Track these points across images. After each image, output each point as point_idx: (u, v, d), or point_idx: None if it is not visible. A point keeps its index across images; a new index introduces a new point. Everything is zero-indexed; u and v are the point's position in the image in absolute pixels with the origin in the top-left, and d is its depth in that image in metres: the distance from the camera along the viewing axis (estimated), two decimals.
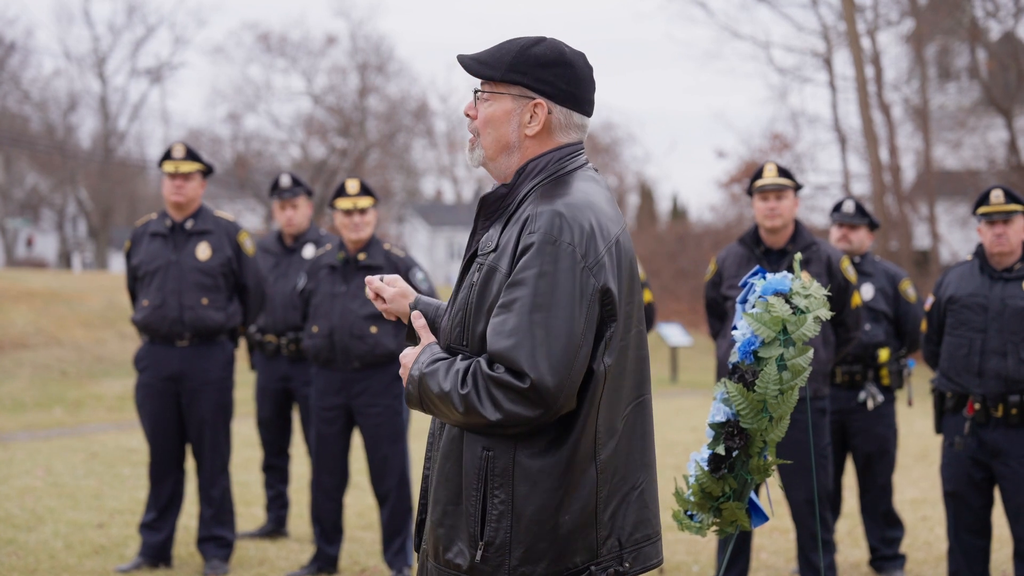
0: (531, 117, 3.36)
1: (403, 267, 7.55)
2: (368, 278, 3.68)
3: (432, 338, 3.37)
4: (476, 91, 3.44)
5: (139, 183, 55.32)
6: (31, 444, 13.75)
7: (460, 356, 3.25)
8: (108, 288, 25.57)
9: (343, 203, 7.55)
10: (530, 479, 3.20)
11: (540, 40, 3.40)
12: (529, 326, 3.13)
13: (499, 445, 3.21)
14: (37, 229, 60.98)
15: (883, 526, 7.92)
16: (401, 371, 3.36)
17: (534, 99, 3.36)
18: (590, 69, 3.46)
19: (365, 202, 7.56)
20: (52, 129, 54.52)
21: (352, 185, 7.58)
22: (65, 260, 57.17)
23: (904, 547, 8.29)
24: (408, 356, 3.34)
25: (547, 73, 3.37)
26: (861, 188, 33.58)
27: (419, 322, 3.39)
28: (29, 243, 61.40)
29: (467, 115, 3.43)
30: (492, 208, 3.36)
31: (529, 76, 3.35)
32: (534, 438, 3.21)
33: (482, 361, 3.18)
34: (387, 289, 3.65)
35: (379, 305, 3.68)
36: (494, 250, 3.26)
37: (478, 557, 3.21)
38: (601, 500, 3.28)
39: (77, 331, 23.08)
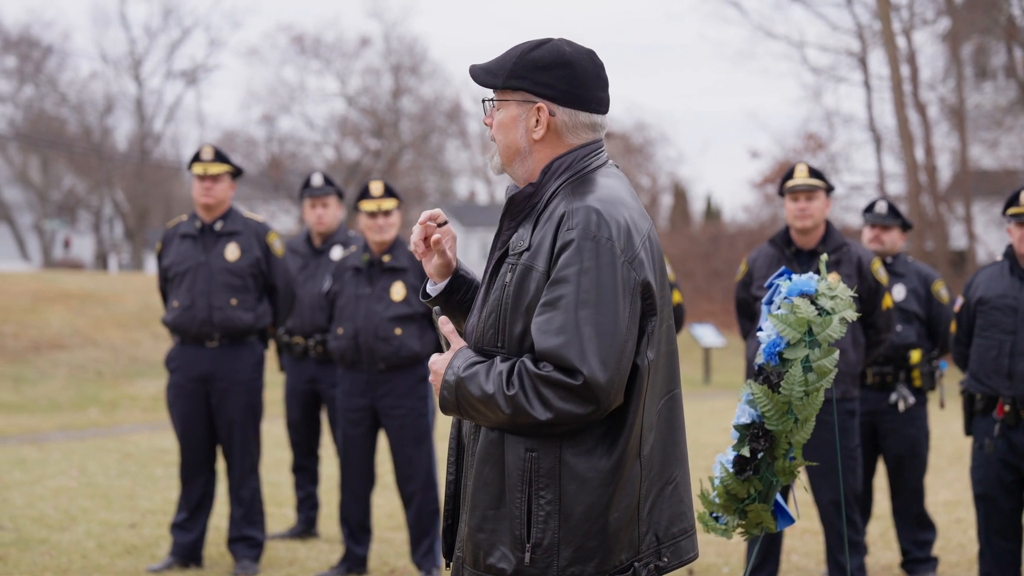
0: (535, 122, 3.37)
1: None
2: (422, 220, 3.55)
3: (462, 342, 3.35)
4: (484, 100, 3.47)
5: (175, 184, 55.53)
6: (66, 444, 13.84)
7: (499, 357, 3.24)
8: (143, 289, 25.67)
9: (367, 205, 7.57)
10: (578, 478, 3.20)
11: (543, 43, 3.40)
12: (576, 323, 3.14)
13: (543, 445, 3.20)
14: (74, 231, 61.30)
15: (915, 528, 7.87)
16: (432, 377, 3.35)
17: (536, 103, 3.37)
18: (597, 66, 3.42)
19: (389, 204, 7.58)
20: (89, 131, 54.83)
21: (376, 187, 7.60)
22: (102, 261, 57.48)
23: (937, 549, 8.24)
24: (439, 362, 3.33)
25: (546, 76, 3.36)
26: (896, 188, 33.42)
27: (447, 327, 3.37)
28: (66, 244, 61.74)
29: (485, 124, 3.46)
30: (519, 207, 3.36)
31: (528, 80, 3.36)
32: (580, 436, 3.21)
33: (527, 360, 3.18)
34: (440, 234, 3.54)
35: (417, 241, 3.55)
36: (527, 249, 3.26)
37: (527, 560, 3.21)
38: (642, 496, 3.29)
39: (112, 332, 23.20)
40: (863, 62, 33.77)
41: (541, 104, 3.36)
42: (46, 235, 56.32)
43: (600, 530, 3.22)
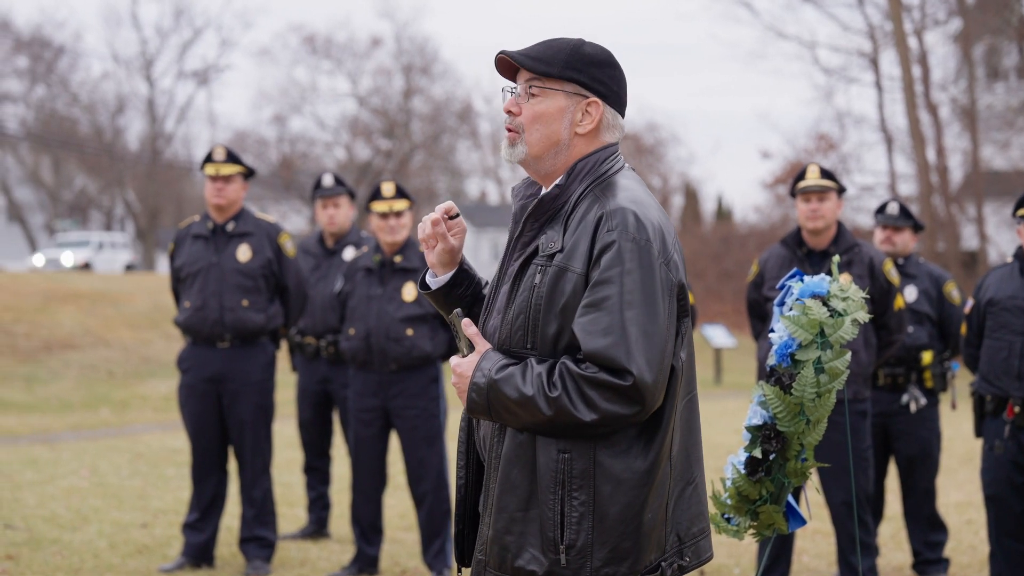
0: (582, 115, 3.37)
1: None
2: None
3: (487, 344, 3.34)
4: (511, 88, 3.44)
5: (186, 185, 55.63)
6: (77, 444, 13.87)
7: (533, 359, 3.23)
8: (154, 289, 25.72)
9: (379, 206, 7.57)
10: (614, 479, 3.20)
11: (585, 41, 3.42)
12: (622, 323, 3.15)
13: (577, 446, 3.20)
14: (85, 231, 61.44)
15: (926, 530, 7.86)
16: (456, 380, 3.33)
17: (588, 98, 3.37)
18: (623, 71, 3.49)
19: (401, 205, 7.58)
20: (100, 131, 54.93)
21: (388, 188, 7.60)
22: None
23: (948, 551, 8.22)
24: (464, 364, 3.32)
25: (600, 73, 3.39)
26: (908, 189, 33.39)
27: (471, 329, 3.35)
28: None
29: (509, 112, 3.41)
30: (546, 209, 3.35)
31: (584, 74, 3.36)
32: (614, 437, 3.21)
33: (568, 362, 3.18)
34: (450, 240, 3.51)
35: (426, 235, 3.51)
36: (560, 251, 3.25)
37: (562, 561, 3.20)
38: (670, 496, 3.31)
39: (124, 332, 23.24)
40: (875, 63, 33.74)
41: (595, 100, 3.37)
42: (57, 235, 56.40)
43: (635, 531, 3.23)
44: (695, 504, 3.38)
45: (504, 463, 3.28)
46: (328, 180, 8.85)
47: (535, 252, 3.31)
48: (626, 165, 3.46)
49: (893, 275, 7.10)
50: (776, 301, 4.54)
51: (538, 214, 3.35)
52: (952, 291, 7.90)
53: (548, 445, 3.22)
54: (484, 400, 3.24)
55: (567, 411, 3.15)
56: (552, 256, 3.26)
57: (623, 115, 3.46)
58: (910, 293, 7.79)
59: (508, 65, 3.44)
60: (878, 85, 33.84)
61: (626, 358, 3.13)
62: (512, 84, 3.45)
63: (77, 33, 74.29)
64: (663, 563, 3.29)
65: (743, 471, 4.35)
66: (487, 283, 3.60)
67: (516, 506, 3.26)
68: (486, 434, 3.37)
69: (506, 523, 3.27)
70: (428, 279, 3.59)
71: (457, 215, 3.52)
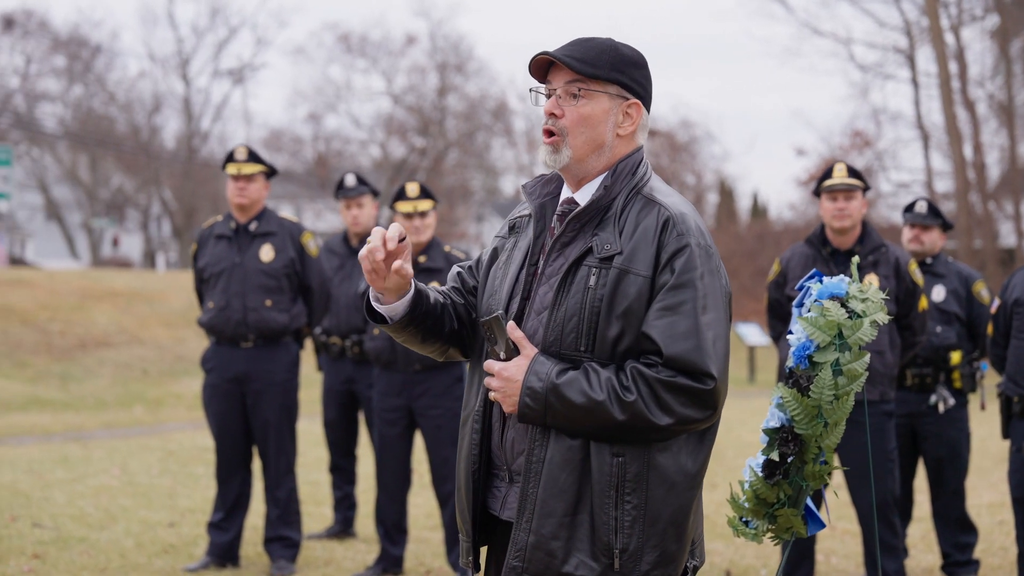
0: (624, 117, 3.36)
1: None
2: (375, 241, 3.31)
3: (535, 348, 3.29)
4: (547, 90, 3.40)
5: (222, 183, 55.74)
6: (110, 442, 13.93)
7: (593, 363, 3.21)
8: (188, 288, 25.81)
9: (403, 206, 7.56)
10: (667, 481, 3.21)
11: (615, 40, 3.41)
12: (701, 327, 3.17)
13: (631, 450, 3.20)
14: (122, 229, 61.78)
15: (956, 531, 7.79)
16: (500, 384, 3.28)
17: (628, 99, 3.36)
18: None
19: (425, 205, 7.57)
20: (137, 130, 55.19)
21: (412, 188, 7.59)
22: (149, 259, 57.87)
23: (978, 552, 8.15)
24: (512, 368, 3.27)
25: (638, 74, 3.39)
26: (944, 186, 33.20)
27: (517, 332, 3.30)
28: (115, 243, 62.23)
29: (552, 114, 3.36)
30: (592, 210, 3.32)
31: (626, 76, 3.36)
32: (668, 440, 3.22)
33: (639, 366, 3.18)
34: (405, 268, 3.34)
35: (374, 257, 3.30)
36: (619, 253, 3.23)
37: (616, 565, 3.19)
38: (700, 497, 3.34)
39: (158, 330, 23.34)
40: (911, 59, 33.55)
41: (636, 101, 3.37)
42: (95, 233, 56.74)
43: (681, 533, 3.25)
44: (701, 506, 3.42)
45: (549, 467, 3.24)
46: (351, 180, 8.84)
47: (586, 253, 3.27)
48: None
49: (918, 276, 7.04)
50: (795, 302, 4.49)
51: (583, 216, 3.32)
52: (981, 291, 7.83)
53: (602, 449, 3.21)
54: (541, 405, 3.21)
55: (642, 415, 3.15)
56: (610, 258, 3.24)
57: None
58: (938, 293, 7.72)
59: (540, 66, 3.40)
60: (914, 81, 33.65)
61: (706, 362, 3.16)
62: (541, 85, 3.42)
63: (114, 32, 74.83)
64: (687, 564, 3.31)
65: (760, 474, 4.30)
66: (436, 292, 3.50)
67: (564, 511, 3.23)
68: (517, 438, 3.33)
69: (553, 528, 3.23)
70: (383, 310, 3.40)
71: (404, 238, 3.34)
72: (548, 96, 3.40)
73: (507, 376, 3.26)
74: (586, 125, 3.33)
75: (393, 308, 3.41)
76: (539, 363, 3.23)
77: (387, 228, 3.22)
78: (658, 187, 3.36)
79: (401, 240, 3.33)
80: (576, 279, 3.27)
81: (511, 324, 3.31)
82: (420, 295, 3.45)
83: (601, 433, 3.19)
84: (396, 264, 3.31)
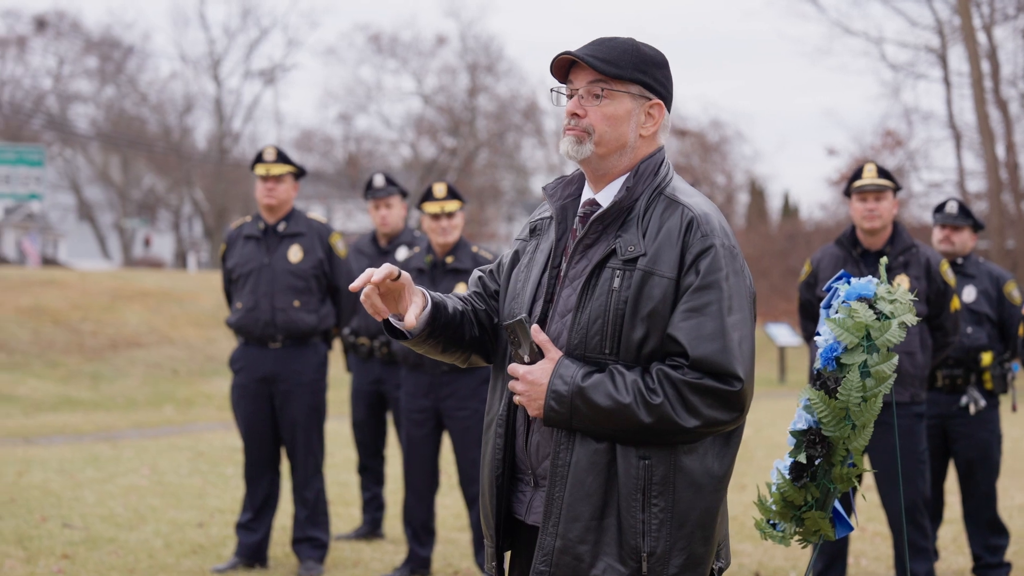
0: (646, 117, 3.35)
1: None
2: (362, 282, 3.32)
3: (559, 352, 3.27)
4: (568, 90, 3.38)
5: (252, 183, 55.95)
6: (140, 442, 13.97)
7: (619, 366, 3.20)
8: (219, 288, 25.86)
9: (430, 207, 7.55)
10: (694, 484, 3.20)
11: (637, 40, 3.40)
12: (727, 329, 3.16)
13: (658, 452, 3.19)
14: (154, 229, 62.06)
15: (987, 533, 7.74)
16: (524, 387, 3.26)
17: (651, 99, 3.35)
18: None
19: (452, 206, 7.56)
20: (168, 131, 55.46)
21: (439, 189, 7.58)
22: (181, 260, 58.12)
23: (1010, 555, 8.09)
24: (537, 371, 3.25)
25: (660, 74, 3.38)
26: (976, 185, 33.01)
27: (541, 336, 3.29)
28: (147, 243, 62.53)
29: (574, 115, 3.34)
30: (614, 212, 3.31)
31: (649, 75, 3.35)
32: (694, 442, 3.21)
33: (665, 368, 3.16)
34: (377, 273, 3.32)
35: (372, 303, 3.33)
36: (643, 254, 3.22)
37: (644, 568, 3.18)
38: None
39: (188, 330, 23.43)
40: (943, 58, 33.37)
41: (658, 102, 3.36)
42: (126, 234, 57.02)
43: (709, 536, 3.24)
44: (726, 507, 3.40)
45: (576, 471, 3.23)
46: (379, 180, 8.84)
47: (610, 255, 3.26)
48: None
49: (949, 276, 7.00)
50: (823, 304, 4.46)
51: (606, 217, 3.31)
52: (1012, 291, 7.77)
53: (628, 452, 3.20)
54: (566, 408, 3.20)
55: (668, 418, 3.14)
56: (634, 260, 3.23)
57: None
58: (969, 294, 7.67)
59: (561, 66, 3.38)
60: (946, 81, 33.47)
61: (733, 363, 3.15)
62: (562, 85, 3.40)
63: (146, 33, 74.99)
64: (714, 567, 3.29)
65: (788, 476, 4.28)
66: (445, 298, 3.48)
67: (591, 514, 3.22)
68: (542, 442, 3.32)
69: (580, 532, 3.22)
70: (402, 326, 3.40)
71: (399, 276, 3.33)
72: (570, 96, 3.39)
73: (532, 380, 3.25)
74: (609, 125, 3.32)
75: (412, 322, 3.36)
76: (564, 366, 3.22)
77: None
78: (681, 187, 3.35)
79: (395, 279, 3.30)
80: (600, 281, 3.25)
81: (535, 327, 3.29)
82: (437, 308, 3.42)
83: (627, 436, 3.18)
84: (406, 311, 3.33)
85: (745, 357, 3.18)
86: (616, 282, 3.22)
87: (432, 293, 3.45)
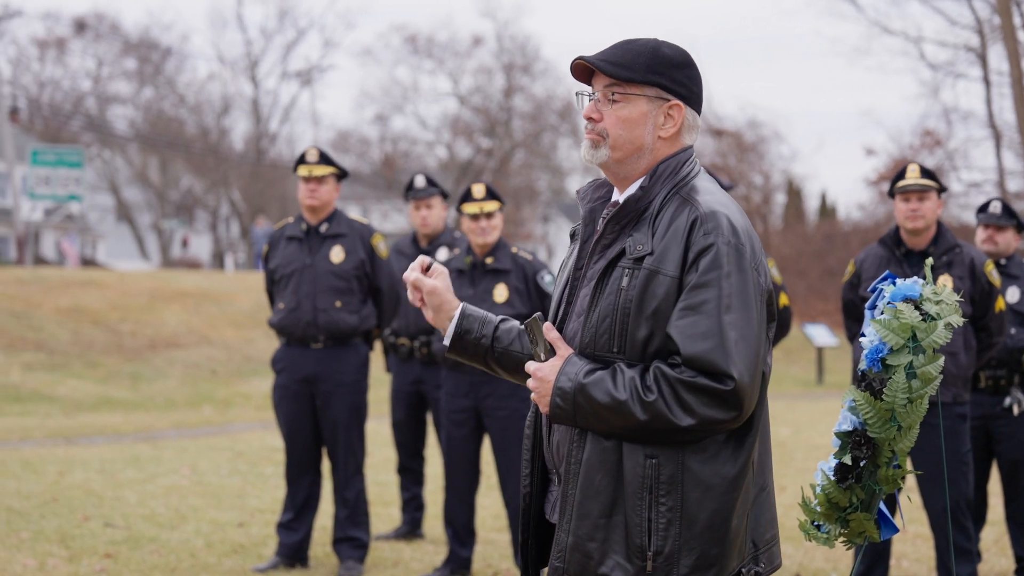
0: (665, 119, 3.34)
1: (531, 270, 7.56)
2: (408, 276, 3.49)
3: (570, 349, 3.31)
4: (589, 94, 3.40)
5: (290, 184, 56.21)
6: (179, 442, 14.03)
7: (622, 363, 3.21)
8: (257, 288, 26.00)
9: (469, 208, 7.56)
10: (702, 484, 3.18)
11: (661, 41, 3.39)
12: (722, 327, 3.14)
13: (665, 452, 3.18)
14: (192, 230, 62.33)
15: None
16: (536, 385, 3.30)
17: (669, 101, 3.34)
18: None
19: (491, 206, 7.57)
20: (206, 132, 55.75)
21: (478, 189, 7.59)
22: (218, 260, 58.37)
23: None
24: (545, 369, 3.29)
25: (680, 74, 3.36)
26: (1016, 185, 32.76)
27: (552, 333, 3.32)
28: (184, 244, 62.80)
29: (590, 119, 3.36)
30: (629, 211, 3.32)
31: (666, 77, 3.33)
32: (704, 442, 3.19)
33: (663, 366, 3.16)
34: (426, 282, 3.48)
35: (416, 299, 3.51)
36: (650, 253, 3.22)
37: (649, 568, 3.18)
38: (750, 501, 3.29)
39: (227, 331, 23.52)
40: (982, 57, 33.13)
41: (677, 103, 3.34)
42: (164, 234, 57.30)
43: (722, 537, 3.20)
44: (768, 509, 3.37)
45: (586, 468, 3.24)
46: (420, 181, 8.85)
47: (620, 254, 3.27)
48: (701, 167, 3.43)
49: (994, 276, 6.96)
50: (867, 304, 4.44)
51: (620, 217, 3.32)
52: None
53: (635, 451, 3.19)
54: (570, 405, 3.22)
55: (663, 416, 3.12)
56: (641, 259, 3.23)
57: (700, 115, 3.44)
58: (1013, 294, 7.62)
59: (584, 69, 3.39)
60: (986, 80, 33.24)
61: (726, 362, 3.12)
62: (588, 88, 3.41)
63: (184, 35, 75.75)
64: (743, 570, 3.28)
65: (833, 477, 4.26)
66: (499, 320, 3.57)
67: (599, 512, 3.23)
68: (560, 440, 3.34)
69: (589, 530, 3.24)
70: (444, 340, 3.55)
71: (430, 265, 3.49)
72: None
73: (541, 376, 3.29)
74: (624, 128, 3.33)
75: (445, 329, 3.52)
76: (571, 363, 3.25)
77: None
78: (701, 186, 3.33)
79: (427, 269, 3.48)
80: (611, 280, 3.27)
81: (547, 325, 3.33)
82: (473, 321, 3.52)
83: (628, 433, 3.19)
84: (428, 285, 3.47)
85: (742, 356, 3.14)
86: (624, 281, 3.24)
87: (475, 311, 3.55)
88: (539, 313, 3.40)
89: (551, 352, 3.32)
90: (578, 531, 3.25)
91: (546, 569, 3.48)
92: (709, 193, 3.31)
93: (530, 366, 3.32)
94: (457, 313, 3.51)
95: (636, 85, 3.32)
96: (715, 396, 3.11)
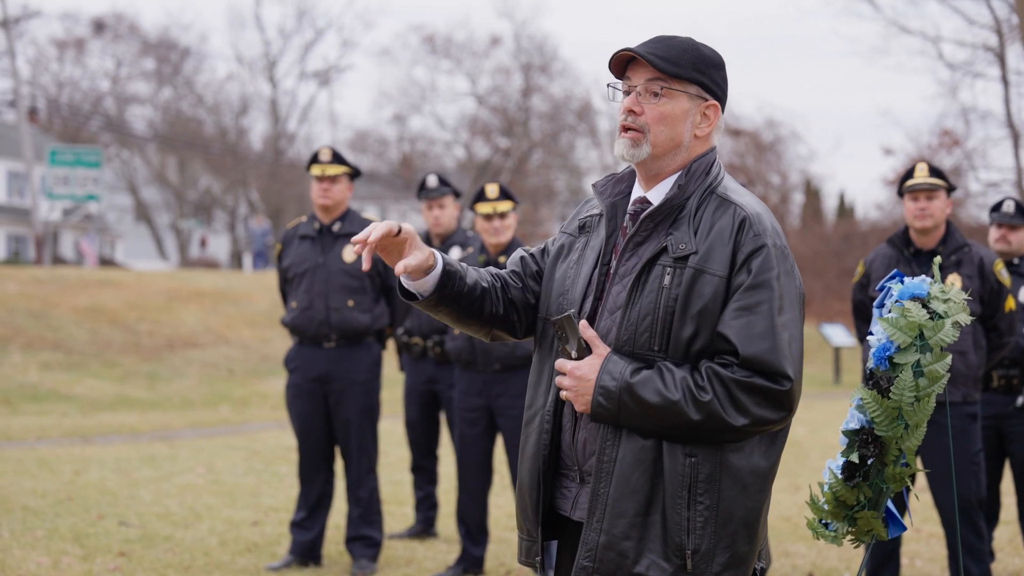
0: (702, 118, 3.36)
1: None
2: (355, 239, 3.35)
3: (607, 348, 3.29)
4: (626, 87, 3.38)
5: (308, 184, 56.34)
6: (196, 441, 14.08)
7: (667, 363, 3.21)
8: (274, 288, 26.06)
9: (483, 207, 7.58)
10: (740, 482, 3.21)
11: (697, 41, 3.41)
12: (777, 328, 3.17)
13: (704, 450, 3.20)
14: (210, 230, 62.47)
15: None
16: (572, 383, 3.28)
17: (707, 100, 3.36)
18: None
19: (504, 206, 7.58)
20: (224, 132, 55.86)
21: (491, 189, 7.61)
22: (236, 260, 58.48)
23: None
24: (585, 367, 3.26)
25: (718, 75, 3.39)
26: None
27: (589, 332, 3.30)
28: (203, 243, 62.93)
29: (631, 111, 3.35)
30: (665, 209, 3.32)
31: (707, 76, 3.35)
32: (741, 440, 3.21)
33: (715, 366, 3.18)
34: (374, 231, 3.32)
35: (362, 251, 3.36)
36: (694, 252, 3.23)
37: (689, 566, 3.19)
38: (771, 499, 3.33)
39: (244, 330, 23.58)
40: (1001, 57, 33.05)
41: (714, 103, 3.37)
42: (183, 234, 57.43)
43: (752, 535, 3.24)
44: (768, 506, 3.39)
45: (622, 467, 3.24)
46: (432, 181, 8.86)
47: (660, 253, 3.27)
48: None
49: (1004, 276, 6.94)
50: (875, 303, 4.44)
51: (656, 215, 3.32)
52: None
53: (675, 449, 3.20)
54: (615, 404, 3.21)
55: (718, 416, 3.14)
56: (684, 258, 3.24)
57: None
58: None
59: (622, 62, 3.39)
60: (1004, 80, 33.15)
61: (783, 363, 3.16)
62: (619, 81, 3.41)
63: (202, 35, 75.93)
64: (757, 567, 3.29)
65: (840, 476, 4.26)
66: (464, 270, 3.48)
67: (635, 511, 3.23)
68: (589, 438, 3.33)
69: (624, 528, 3.23)
70: (412, 286, 3.43)
71: (399, 231, 3.36)
72: (627, 93, 3.39)
73: (580, 375, 3.26)
74: (666, 124, 3.33)
75: (422, 284, 3.40)
76: (613, 362, 3.23)
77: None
78: (732, 187, 3.36)
79: (395, 235, 3.34)
80: (650, 279, 3.26)
81: (583, 323, 3.30)
82: (451, 275, 3.42)
83: (675, 433, 3.18)
84: (400, 266, 3.34)
85: (794, 357, 3.18)
86: (667, 279, 3.23)
87: (451, 260, 3.46)
88: (573, 310, 3.36)
89: (585, 350, 3.30)
90: (612, 530, 3.24)
91: (540, 559, 3.47)
92: (745, 194, 3.34)
93: (564, 364, 3.30)
94: (438, 270, 3.40)
95: (681, 81, 3.33)
96: (770, 396, 3.14)
